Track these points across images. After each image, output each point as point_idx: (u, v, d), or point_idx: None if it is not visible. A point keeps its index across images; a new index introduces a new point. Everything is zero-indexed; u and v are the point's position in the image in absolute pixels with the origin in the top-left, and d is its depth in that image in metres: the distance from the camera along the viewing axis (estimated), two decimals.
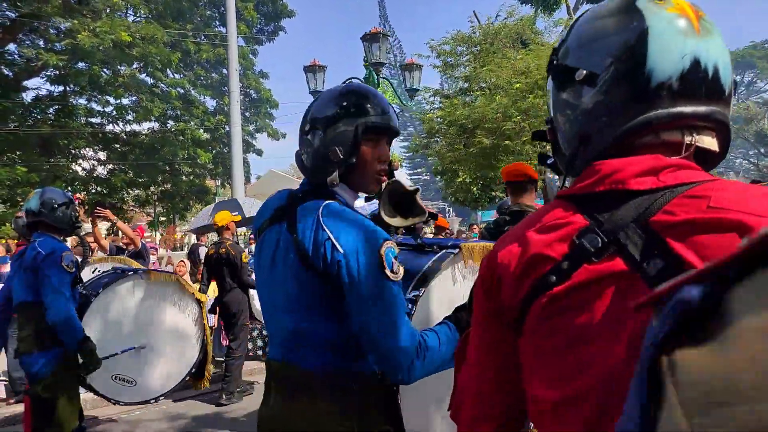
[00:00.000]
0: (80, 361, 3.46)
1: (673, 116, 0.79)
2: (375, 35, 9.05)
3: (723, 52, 0.80)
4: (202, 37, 25.59)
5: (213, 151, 28.79)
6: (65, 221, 3.49)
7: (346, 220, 1.44)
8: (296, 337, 1.48)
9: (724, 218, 0.69)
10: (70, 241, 8.94)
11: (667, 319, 0.32)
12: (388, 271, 1.36)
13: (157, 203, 30.46)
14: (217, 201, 26.86)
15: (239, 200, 7.52)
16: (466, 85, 12.35)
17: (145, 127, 26.61)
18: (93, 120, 24.48)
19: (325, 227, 1.42)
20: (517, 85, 10.49)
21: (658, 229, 0.74)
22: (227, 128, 27.74)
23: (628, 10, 0.81)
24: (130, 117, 24.54)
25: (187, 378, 4.74)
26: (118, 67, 17.92)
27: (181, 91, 25.54)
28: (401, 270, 1.40)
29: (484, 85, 11.64)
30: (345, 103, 1.54)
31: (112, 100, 22.32)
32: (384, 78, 10.68)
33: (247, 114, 29.46)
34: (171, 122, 26.10)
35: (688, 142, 0.80)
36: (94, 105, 23.16)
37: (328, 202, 1.49)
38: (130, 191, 28.52)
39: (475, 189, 17.71)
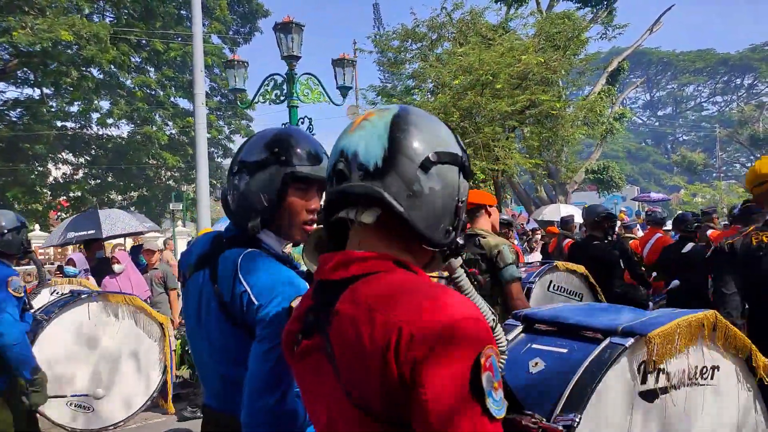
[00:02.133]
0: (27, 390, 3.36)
1: (328, 198, 1.02)
2: (287, 25, 8.21)
3: (368, 140, 0.97)
4: (179, 38, 24.78)
5: (188, 155, 28.01)
6: (15, 246, 3.46)
7: (263, 271, 1.43)
8: (226, 386, 1.48)
9: (357, 312, 0.90)
10: None
11: None
12: None
13: (134, 209, 29.81)
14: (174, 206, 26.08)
15: (100, 213, 6.56)
16: (411, 82, 11.47)
17: (124, 129, 26.04)
18: (62, 123, 23.90)
19: (242, 279, 1.41)
20: (456, 81, 9.60)
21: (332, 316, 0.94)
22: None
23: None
24: (102, 120, 23.93)
25: (154, 397, 4.79)
26: (64, 67, 17.07)
27: (152, 92, 24.88)
28: None
29: (431, 84, 10.75)
30: (276, 149, 1.49)
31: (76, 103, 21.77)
32: (309, 74, 9.81)
33: (223, 114, 28.69)
34: (139, 123, 25.32)
35: (351, 218, 0.98)
36: (53, 105, 22.36)
37: (248, 251, 1.47)
38: (110, 196, 27.98)
39: None
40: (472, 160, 10.51)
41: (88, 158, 26.29)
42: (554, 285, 4.59)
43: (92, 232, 6.18)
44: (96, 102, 19.53)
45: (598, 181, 19.90)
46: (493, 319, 1.09)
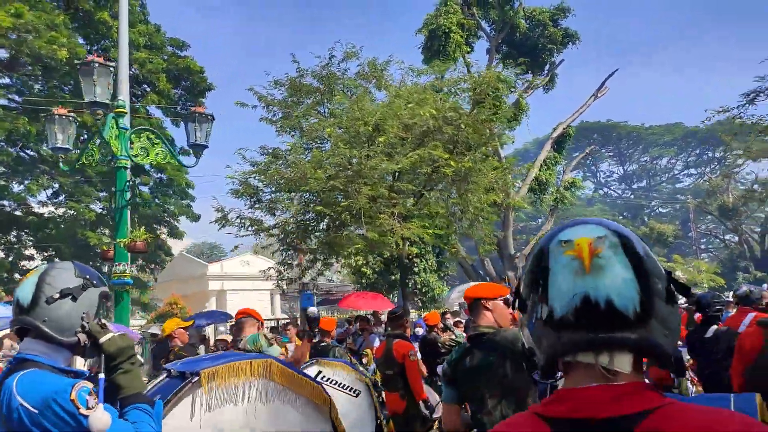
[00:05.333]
0: None
1: (572, 344, 0.94)
2: (89, 65, 6.66)
3: (618, 284, 0.92)
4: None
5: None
6: None
7: (34, 383, 1.69)
8: None
9: None
10: None
11: None
12: (84, 411, 1.62)
13: None
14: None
15: None
16: (291, 138, 9.96)
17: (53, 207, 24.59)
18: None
19: (16, 395, 1.65)
20: (329, 129, 8.08)
21: None
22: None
23: (542, 251, 1.00)
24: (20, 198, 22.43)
25: None
26: None
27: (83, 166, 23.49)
28: (96, 402, 1.65)
29: (307, 139, 9.24)
30: (88, 276, 1.93)
31: None
32: (145, 130, 8.27)
33: (158, 193, 27.19)
34: (69, 199, 23.79)
35: (603, 365, 0.93)
36: None
37: (24, 372, 1.72)
38: None
39: (368, 272, 14.82)
40: (346, 230, 8.83)
41: (12, 238, 24.59)
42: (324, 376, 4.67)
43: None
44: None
45: None
46: None
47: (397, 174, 9.47)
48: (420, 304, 16.75)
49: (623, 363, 0.92)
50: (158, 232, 28.48)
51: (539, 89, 19.57)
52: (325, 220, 9.18)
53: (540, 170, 18.24)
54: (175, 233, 29.15)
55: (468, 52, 17.51)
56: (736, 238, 37.47)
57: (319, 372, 4.91)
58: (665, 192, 63.92)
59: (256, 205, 9.78)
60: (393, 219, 8.76)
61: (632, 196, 65.09)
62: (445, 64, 11.47)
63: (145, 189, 27.88)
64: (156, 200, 27.10)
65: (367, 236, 8.34)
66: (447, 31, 16.26)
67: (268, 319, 21.56)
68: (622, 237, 0.95)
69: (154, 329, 10.03)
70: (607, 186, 68.83)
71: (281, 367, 2.95)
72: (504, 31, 19.00)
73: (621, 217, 60.45)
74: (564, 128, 19.35)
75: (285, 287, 11.26)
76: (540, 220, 42.10)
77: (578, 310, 0.92)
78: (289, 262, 10.83)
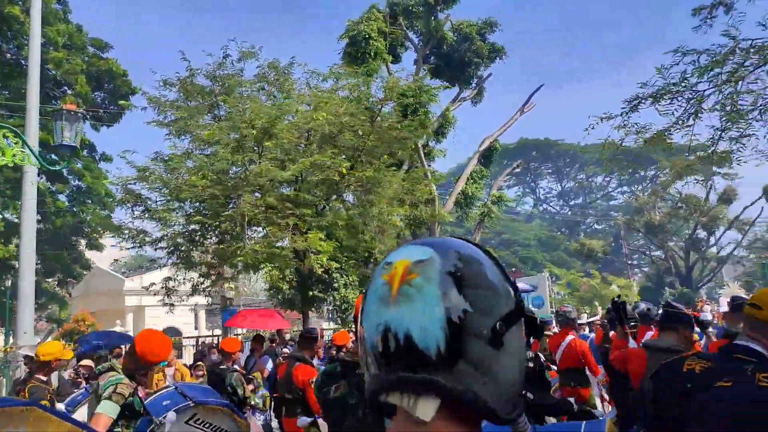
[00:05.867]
0: None
1: (381, 382, 0.82)
2: None
3: (421, 318, 0.79)
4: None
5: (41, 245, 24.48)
6: None
7: None
8: None
9: None
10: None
11: None
12: None
13: None
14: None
15: None
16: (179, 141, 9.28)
17: None
18: None
19: None
20: (207, 133, 7.49)
21: None
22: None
23: (375, 272, 0.88)
24: None
25: None
26: None
27: None
28: None
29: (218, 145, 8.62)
30: None
31: None
32: (3, 127, 7.46)
33: (73, 201, 25.67)
34: None
35: (405, 407, 0.81)
36: None
37: None
38: None
39: (285, 287, 14.04)
40: (237, 242, 8.23)
41: None
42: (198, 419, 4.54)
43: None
44: None
45: None
46: None
47: (300, 183, 8.94)
48: (340, 322, 16.12)
49: (425, 409, 0.79)
50: (74, 243, 26.90)
51: (467, 102, 19.63)
52: (215, 231, 8.55)
53: (466, 184, 18.15)
54: (94, 245, 27.62)
55: (393, 61, 17.33)
56: (663, 255, 38.70)
57: (194, 415, 4.57)
58: (600, 209, 65.83)
59: (145, 215, 9.03)
60: (287, 230, 8.18)
61: (569, 213, 66.78)
62: (351, 68, 11.06)
63: (62, 197, 26.31)
64: (72, 209, 25.58)
65: (256, 249, 7.75)
66: (366, 37, 16.00)
67: (188, 337, 20.41)
68: (458, 261, 0.81)
69: (27, 351, 9.06)
70: (546, 202, 70.42)
71: (44, 415, 2.83)
72: (430, 43, 18.91)
73: (559, 233, 61.89)
74: (490, 142, 19.38)
75: (175, 303, 10.47)
76: None
77: (380, 343, 0.81)
78: (175, 277, 10.09)
